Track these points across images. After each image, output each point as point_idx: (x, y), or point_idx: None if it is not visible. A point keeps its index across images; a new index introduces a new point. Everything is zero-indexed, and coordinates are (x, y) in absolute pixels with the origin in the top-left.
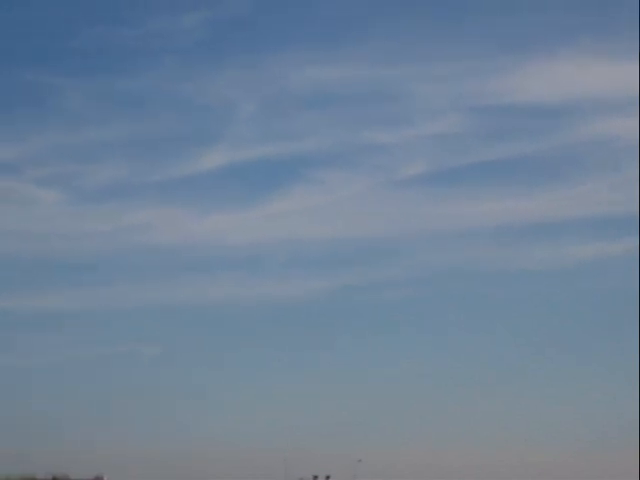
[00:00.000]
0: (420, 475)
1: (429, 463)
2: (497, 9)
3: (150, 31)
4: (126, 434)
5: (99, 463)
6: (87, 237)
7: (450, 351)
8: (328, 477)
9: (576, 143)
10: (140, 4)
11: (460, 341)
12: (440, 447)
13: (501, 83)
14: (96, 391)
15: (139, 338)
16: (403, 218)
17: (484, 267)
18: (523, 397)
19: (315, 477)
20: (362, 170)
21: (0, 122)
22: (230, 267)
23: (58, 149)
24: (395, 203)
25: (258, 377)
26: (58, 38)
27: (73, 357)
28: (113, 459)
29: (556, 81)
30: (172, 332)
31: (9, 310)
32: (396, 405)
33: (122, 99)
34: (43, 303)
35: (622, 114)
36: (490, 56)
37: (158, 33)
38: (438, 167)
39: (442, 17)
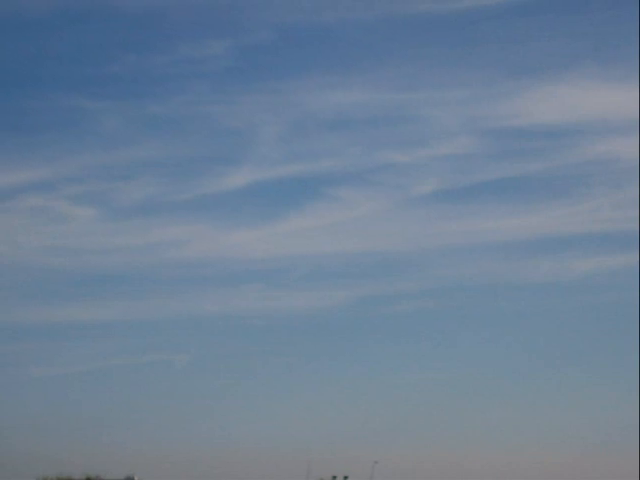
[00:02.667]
0: (432, 476)
1: (442, 465)
2: (506, 37)
3: (180, 58)
4: (157, 436)
5: (131, 464)
6: (120, 251)
7: (461, 359)
8: (346, 477)
9: (580, 163)
10: (171, 32)
11: (470, 350)
12: (453, 450)
13: (509, 106)
14: (130, 396)
15: (169, 347)
16: (417, 234)
17: (493, 280)
18: (530, 403)
19: (334, 477)
20: (379, 188)
21: (38, 143)
22: (254, 280)
23: (93, 168)
24: (409, 219)
25: (280, 382)
26: (94, 65)
27: (108, 365)
28: (144, 460)
29: (561, 104)
30: (200, 341)
31: (46, 321)
32: (411, 410)
33: (154, 121)
34: (81, 315)
35: (623, 136)
36: (499, 81)
37: (188, 59)
38: (450, 186)
39: (454, 45)
